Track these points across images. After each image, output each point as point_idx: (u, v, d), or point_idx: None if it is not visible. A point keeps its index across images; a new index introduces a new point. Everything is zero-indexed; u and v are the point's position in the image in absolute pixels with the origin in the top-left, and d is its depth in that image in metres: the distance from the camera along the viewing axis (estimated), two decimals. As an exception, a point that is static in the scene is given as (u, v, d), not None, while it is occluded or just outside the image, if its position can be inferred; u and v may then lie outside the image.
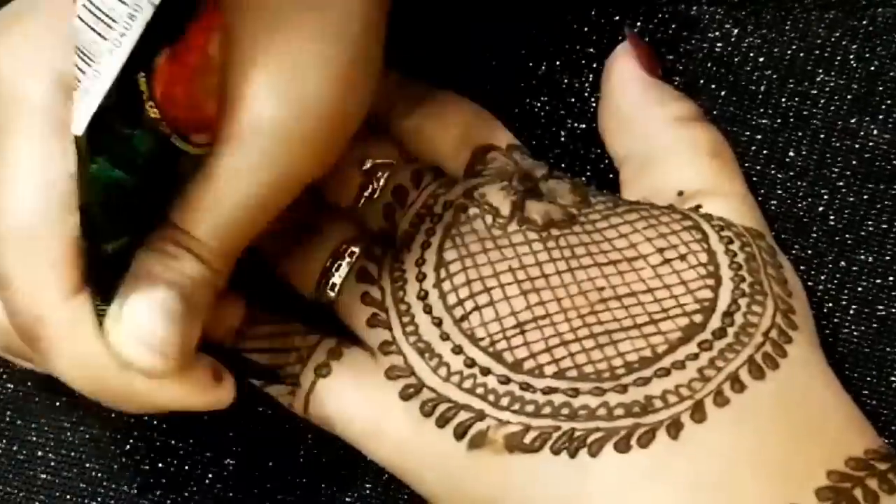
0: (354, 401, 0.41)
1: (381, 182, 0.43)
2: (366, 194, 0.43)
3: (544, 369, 0.38)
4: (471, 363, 0.39)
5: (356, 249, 0.42)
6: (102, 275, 0.37)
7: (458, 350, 0.39)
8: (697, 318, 0.39)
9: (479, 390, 0.39)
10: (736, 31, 0.48)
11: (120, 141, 0.35)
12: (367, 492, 0.45)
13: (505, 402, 0.38)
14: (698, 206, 0.42)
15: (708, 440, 0.37)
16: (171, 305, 0.37)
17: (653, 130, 0.44)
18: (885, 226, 0.45)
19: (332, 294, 0.42)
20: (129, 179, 0.36)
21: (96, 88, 0.34)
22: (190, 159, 0.36)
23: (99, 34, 0.33)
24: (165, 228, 0.37)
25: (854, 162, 0.46)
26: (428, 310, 0.40)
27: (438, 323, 0.40)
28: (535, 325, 0.39)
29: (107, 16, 0.33)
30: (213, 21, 0.35)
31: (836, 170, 0.46)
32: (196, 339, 0.38)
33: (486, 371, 0.39)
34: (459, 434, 0.38)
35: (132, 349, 0.36)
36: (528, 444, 0.37)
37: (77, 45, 0.34)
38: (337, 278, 0.42)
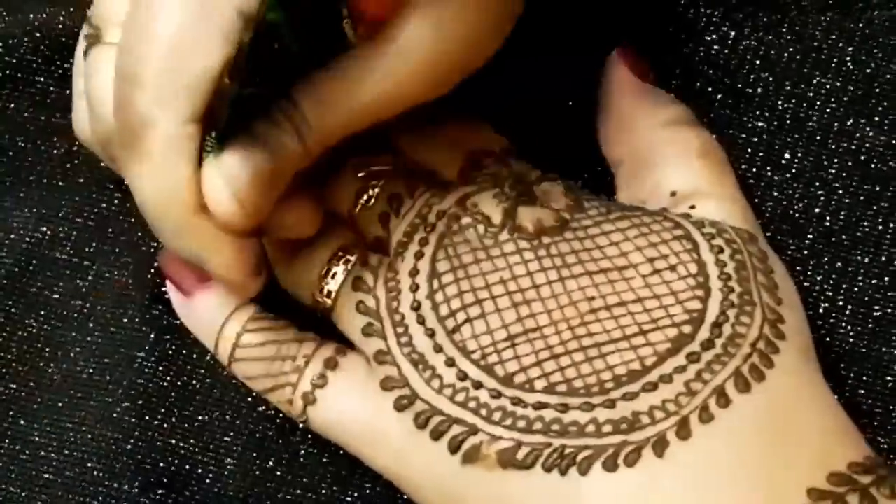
0: (350, 411, 0.41)
1: (377, 189, 0.43)
2: (362, 201, 0.43)
3: (535, 384, 0.39)
4: (463, 376, 0.39)
5: (351, 258, 0.43)
6: (225, 115, 0.38)
7: (450, 363, 0.40)
8: (686, 329, 0.39)
9: (472, 404, 0.39)
10: (733, 33, 0.48)
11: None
12: (368, 491, 0.45)
13: (497, 416, 0.38)
14: (692, 207, 0.42)
15: (692, 458, 0.37)
16: (263, 168, 0.38)
17: (645, 134, 0.44)
18: (881, 227, 0.45)
19: (327, 301, 0.43)
20: (286, 30, 0.37)
21: None
22: (340, 46, 0.38)
23: None
24: (285, 101, 0.39)
25: (850, 163, 0.46)
26: (421, 321, 0.41)
27: (431, 334, 0.40)
28: (526, 339, 0.39)
29: None
30: None
31: (833, 171, 0.46)
32: (269, 208, 0.39)
33: (477, 385, 0.39)
34: (453, 448, 0.39)
35: (220, 192, 0.38)
36: (521, 461, 0.38)
37: None
38: (333, 286, 0.42)
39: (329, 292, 0.42)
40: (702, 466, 0.37)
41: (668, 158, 0.44)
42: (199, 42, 0.37)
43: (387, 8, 0.38)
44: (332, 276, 0.42)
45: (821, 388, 0.40)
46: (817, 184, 0.46)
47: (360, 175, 0.44)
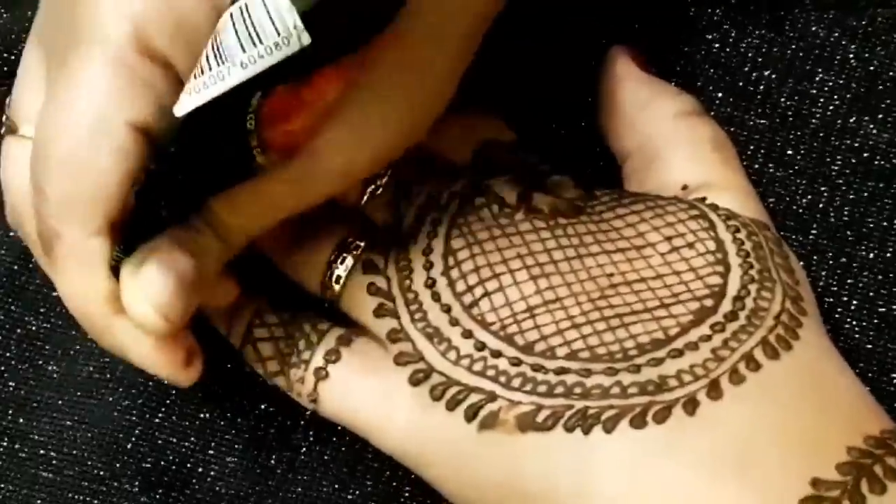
0: (363, 387, 0.41)
1: (385, 178, 0.43)
2: (370, 191, 0.43)
3: (556, 351, 0.38)
4: (481, 346, 0.39)
5: (361, 243, 0.42)
6: (134, 228, 0.39)
7: (467, 335, 0.39)
8: (708, 303, 0.39)
9: (490, 372, 0.39)
10: (734, 32, 0.48)
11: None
12: (369, 489, 0.45)
13: (516, 382, 0.38)
14: (703, 199, 0.42)
15: (726, 416, 0.37)
16: (185, 273, 0.38)
17: (654, 126, 0.44)
18: (885, 223, 0.45)
19: (337, 287, 0.42)
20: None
21: (213, 88, 0.34)
22: (250, 169, 0.39)
23: (241, 43, 0.34)
24: (200, 209, 0.40)
25: (853, 160, 0.46)
26: (436, 297, 0.40)
27: (447, 310, 0.40)
28: (546, 309, 0.39)
29: (256, 32, 0.34)
30: (346, 75, 0.37)
31: (836, 168, 0.46)
32: (193, 309, 0.39)
33: (496, 353, 0.39)
34: (470, 416, 0.38)
35: (139, 305, 0.38)
36: (541, 423, 0.37)
37: (217, 39, 0.35)
38: (342, 271, 0.42)
39: (338, 277, 0.42)
40: (737, 423, 0.36)
41: (680, 150, 0.44)
42: (93, 158, 0.37)
43: (297, 139, 0.39)
44: (342, 261, 0.42)
45: (844, 364, 0.40)
46: (820, 180, 0.46)
47: None
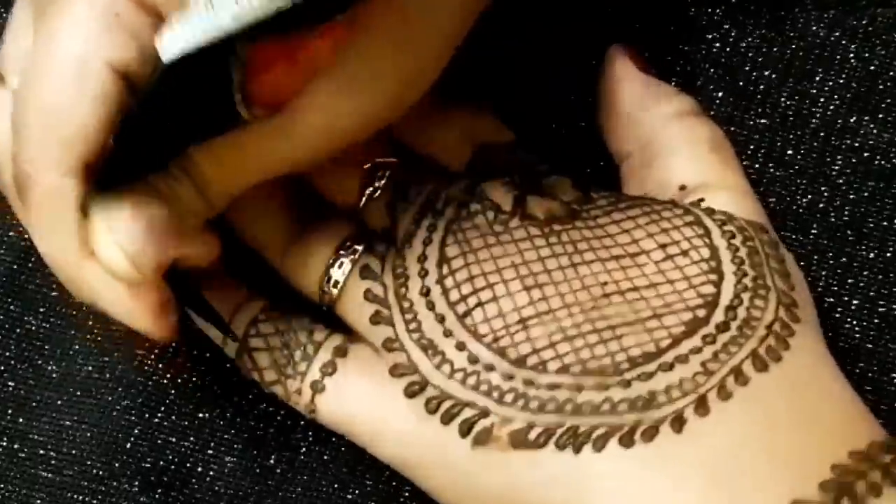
0: (359, 399, 0.41)
1: (383, 181, 0.43)
2: (367, 193, 0.43)
3: (548, 365, 0.38)
4: (474, 360, 0.39)
5: (358, 247, 0.42)
6: (110, 173, 0.38)
7: (461, 347, 0.39)
8: (700, 313, 0.39)
9: (483, 387, 0.39)
10: (734, 32, 0.48)
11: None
12: (369, 489, 0.45)
13: (509, 398, 0.38)
14: (701, 200, 0.42)
15: (712, 433, 0.37)
16: (158, 220, 0.38)
17: (653, 127, 0.44)
18: (885, 223, 0.45)
19: (334, 291, 0.42)
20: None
21: (202, 35, 0.34)
22: (233, 123, 0.38)
23: None
24: (181, 158, 0.39)
25: (854, 160, 0.46)
26: (431, 306, 0.40)
27: (441, 319, 0.40)
28: (539, 321, 0.39)
29: None
30: (339, 35, 0.37)
31: (836, 168, 0.46)
32: (169, 261, 0.39)
33: (489, 367, 0.39)
34: (464, 431, 0.38)
35: (110, 251, 0.38)
36: (533, 441, 0.38)
37: None
38: (339, 275, 0.42)
39: (336, 282, 0.42)
40: (722, 441, 0.37)
41: (679, 150, 0.44)
42: (70, 99, 0.37)
43: (283, 96, 0.38)
44: (339, 266, 0.42)
45: (836, 372, 0.40)
46: (820, 180, 0.46)
47: (364, 168, 0.43)
